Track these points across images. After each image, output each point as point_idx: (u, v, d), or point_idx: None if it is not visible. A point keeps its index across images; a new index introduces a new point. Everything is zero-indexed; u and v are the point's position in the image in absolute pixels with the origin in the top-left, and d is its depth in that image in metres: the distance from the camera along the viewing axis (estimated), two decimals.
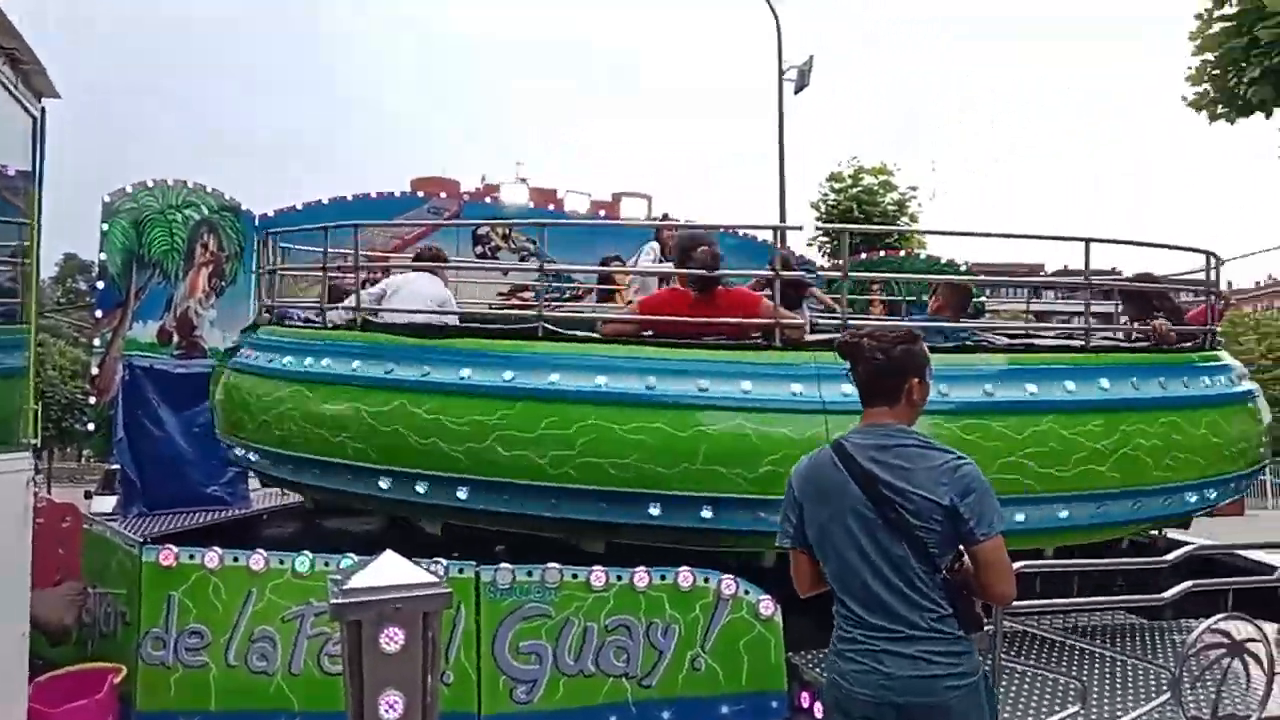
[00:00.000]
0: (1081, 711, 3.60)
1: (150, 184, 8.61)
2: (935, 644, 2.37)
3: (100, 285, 8.42)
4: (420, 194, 11.85)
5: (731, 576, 4.20)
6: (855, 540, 2.42)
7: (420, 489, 4.46)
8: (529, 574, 4.04)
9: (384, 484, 4.58)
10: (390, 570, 2.67)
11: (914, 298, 8.91)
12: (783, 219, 16.64)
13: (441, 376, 4.46)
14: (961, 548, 2.43)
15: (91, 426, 8.42)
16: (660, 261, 6.81)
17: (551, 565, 4.08)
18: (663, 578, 4.14)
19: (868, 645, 2.41)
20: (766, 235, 12.26)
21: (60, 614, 4.07)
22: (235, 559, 3.95)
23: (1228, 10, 10.51)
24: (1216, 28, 10.65)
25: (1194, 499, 4.98)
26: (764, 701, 4.13)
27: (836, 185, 18.89)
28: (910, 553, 2.37)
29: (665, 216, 7.38)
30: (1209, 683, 3.75)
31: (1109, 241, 5.36)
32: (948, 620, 2.39)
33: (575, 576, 4.08)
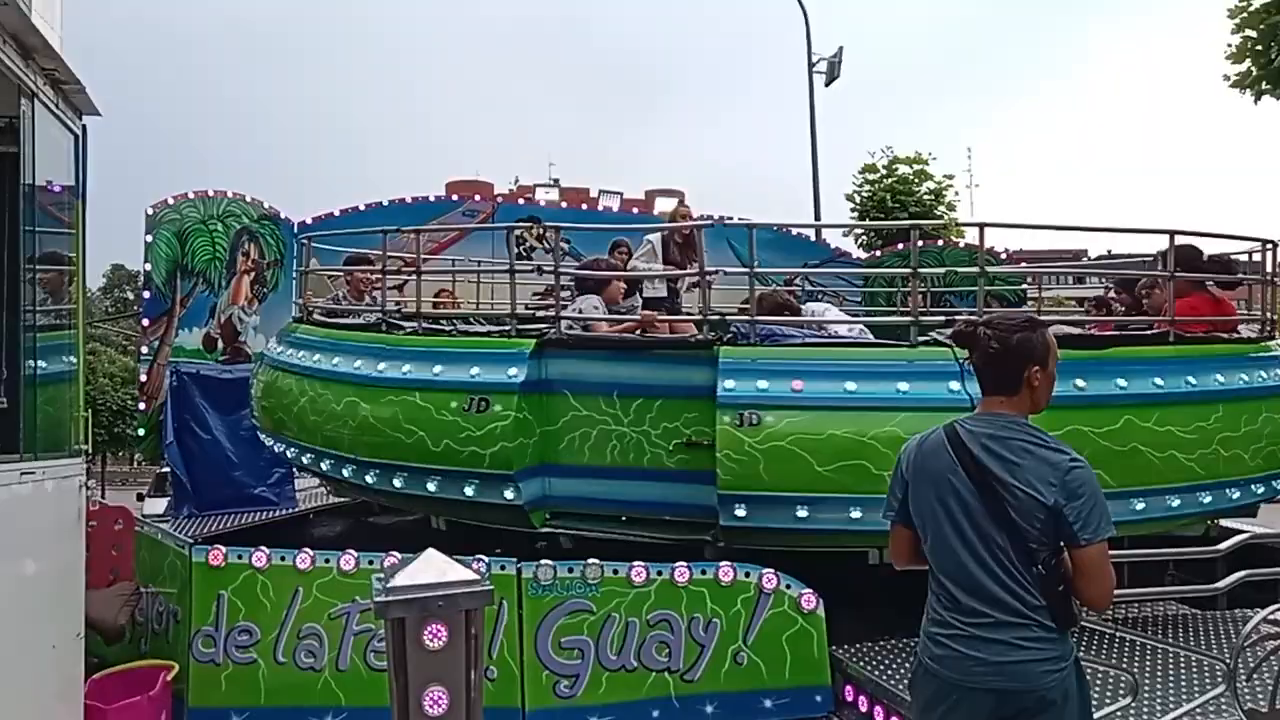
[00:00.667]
0: (1133, 705, 3.53)
1: (191, 195, 8.79)
2: (1029, 631, 2.39)
3: (146, 295, 8.61)
4: (455, 197, 11.96)
5: (773, 570, 4.18)
6: (957, 524, 2.46)
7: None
8: (570, 570, 4.06)
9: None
10: (433, 568, 2.71)
11: (953, 289, 8.81)
12: (817, 213, 16.53)
13: None
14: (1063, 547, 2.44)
15: (141, 431, 8.60)
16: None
17: (592, 561, 4.09)
18: (703, 572, 4.14)
19: (961, 630, 2.43)
20: (805, 231, 12.25)
21: (114, 613, 4.17)
22: (282, 558, 4.02)
23: None
24: (1258, 3, 10.37)
25: (1261, 490, 4.90)
26: (808, 695, 4.11)
27: (871, 176, 18.67)
28: (1009, 544, 2.40)
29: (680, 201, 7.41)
30: (1265, 674, 3.65)
31: (1192, 234, 5.25)
32: (1041, 611, 2.41)
33: (616, 572, 4.09)
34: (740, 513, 4.25)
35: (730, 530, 4.35)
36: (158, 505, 9.69)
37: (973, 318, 2.70)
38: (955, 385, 4.11)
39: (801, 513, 4.19)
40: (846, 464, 4.13)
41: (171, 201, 8.66)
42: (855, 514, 4.15)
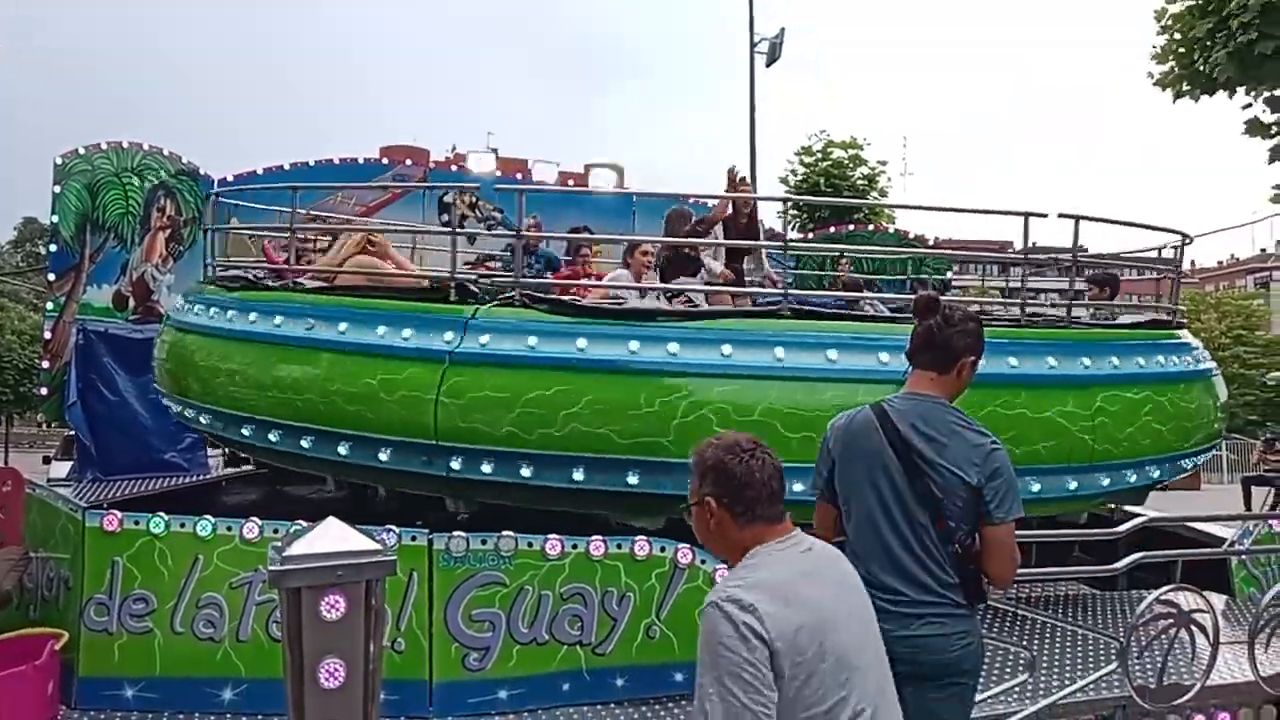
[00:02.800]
0: (1030, 680, 3.64)
1: (104, 146, 8.42)
2: (944, 607, 2.48)
3: (53, 248, 8.24)
4: (386, 161, 11.66)
5: (688, 546, 4.18)
6: (883, 501, 2.51)
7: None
8: (484, 542, 4.00)
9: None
10: (332, 537, 2.61)
11: (880, 273, 8.92)
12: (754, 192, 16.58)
13: None
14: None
15: (44, 391, 8.25)
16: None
17: (506, 534, 4.04)
18: (619, 546, 4.12)
19: (879, 605, 2.46)
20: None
21: (0, 579, 3.97)
22: (182, 525, 3.87)
23: None
24: (1180, 7, 10.69)
25: (1156, 473, 5.06)
26: None
27: (806, 159, 18.81)
28: (931, 521, 2.47)
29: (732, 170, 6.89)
30: (1156, 653, 3.80)
31: (1097, 220, 5.40)
32: (954, 589, 2.50)
33: (530, 545, 4.04)
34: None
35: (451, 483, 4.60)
36: (63, 469, 9.32)
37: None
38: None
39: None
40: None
41: (83, 152, 8.29)
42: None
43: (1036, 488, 4.46)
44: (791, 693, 1.83)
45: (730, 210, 6.23)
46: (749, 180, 6.74)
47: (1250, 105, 11.05)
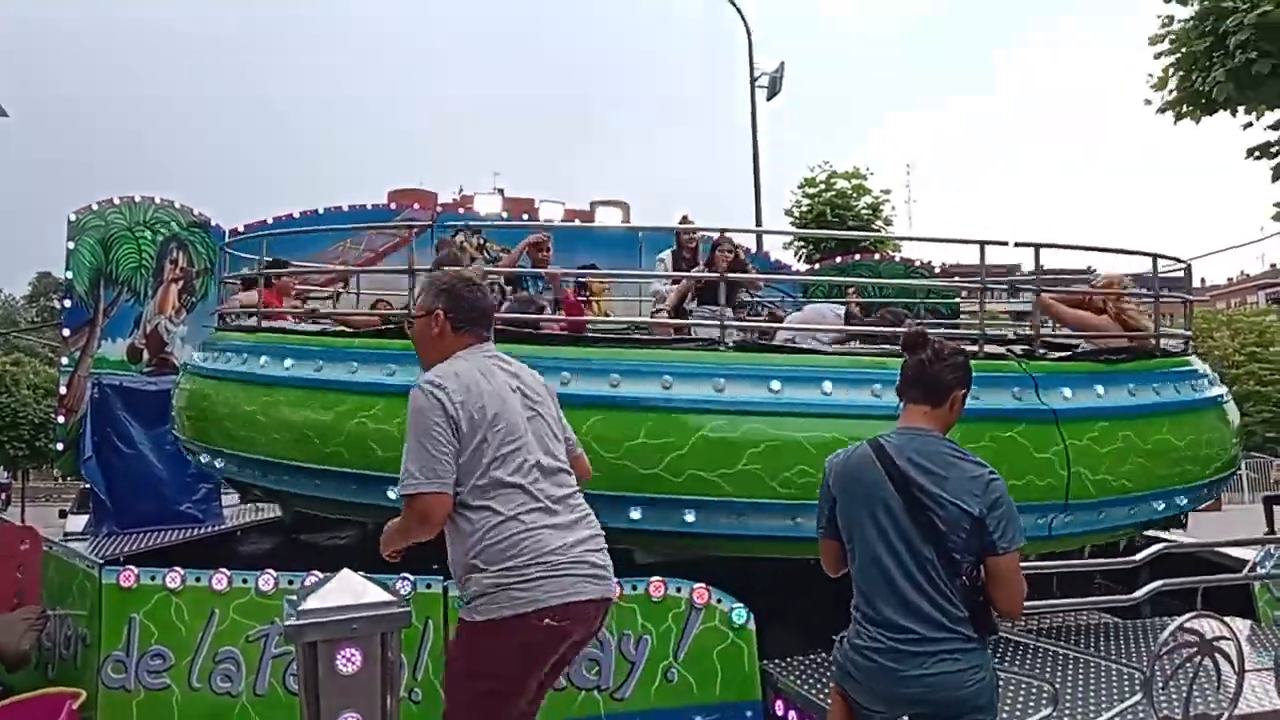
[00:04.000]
0: (1054, 714, 3.59)
1: (117, 201, 8.54)
2: (956, 642, 2.45)
3: (68, 304, 8.33)
4: (394, 206, 11.80)
5: (704, 585, 4.17)
6: (885, 537, 2.50)
7: None
8: None
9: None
10: (347, 589, 2.63)
11: (890, 300, 8.92)
12: (759, 225, 16.68)
13: None
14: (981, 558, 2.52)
15: (59, 446, 8.30)
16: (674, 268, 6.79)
17: None
18: (634, 588, 4.11)
19: (888, 644, 2.48)
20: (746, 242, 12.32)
21: (18, 639, 3.98)
22: (197, 579, 3.89)
23: (1189, 10, 10.63)
24: (1178, 27, 10.76)
25: (1184, 501, 5.04)
26: (738, 711, 4.10)
27: (809, 191, 18.93)
28: (936, 556, 2.46)
29: (684, 219, 7.24)
30: (1181, 682, 3.74)
31: (1059, 246, 5.46)
32: (964, 623, 2.48)
33: None
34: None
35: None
36: (79, 523, 9.37)
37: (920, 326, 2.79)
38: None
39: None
40: None
41: (96, 207, 8.40)
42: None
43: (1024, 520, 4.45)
44: (474, 446, 2.59)
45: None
46: (691, 221, 7.37)
47: (1251, 125, 11.10)
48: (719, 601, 4.15)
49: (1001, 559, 2.47)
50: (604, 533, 2.81)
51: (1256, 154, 11.27)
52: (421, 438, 2.55)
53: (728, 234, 6.15)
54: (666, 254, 6.93)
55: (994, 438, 4.24)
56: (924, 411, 2.62)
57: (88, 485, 8.56)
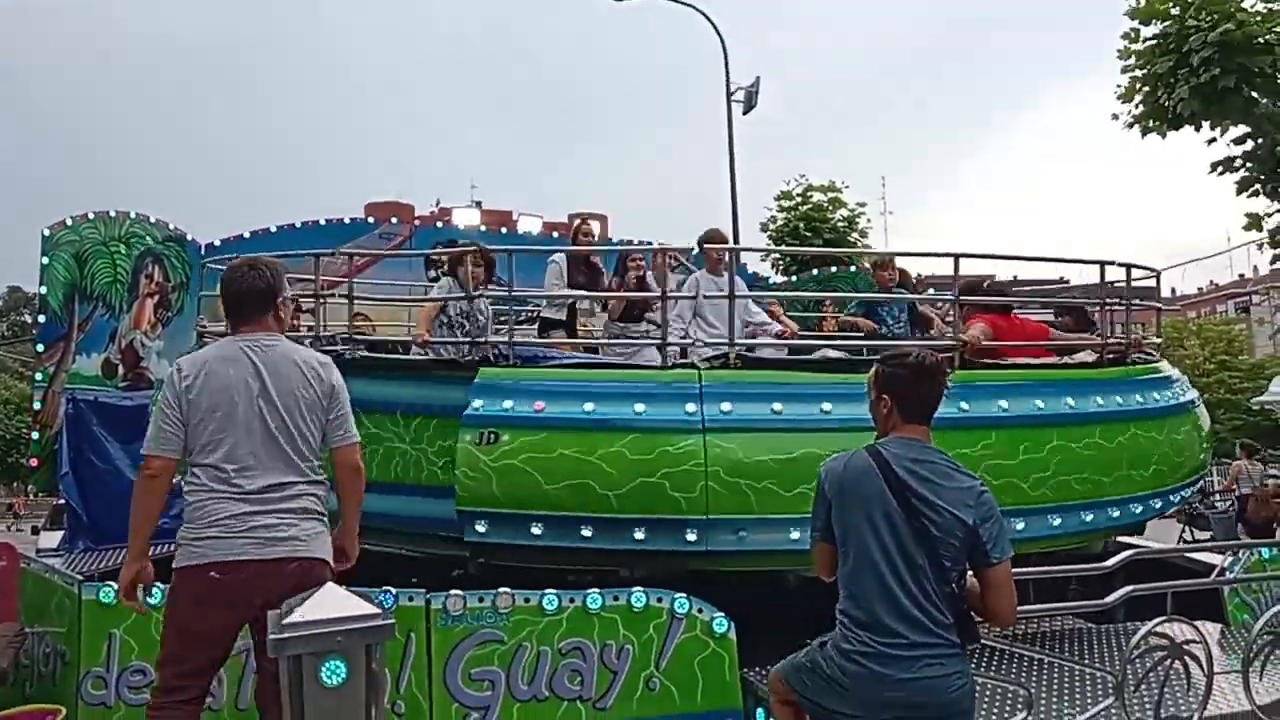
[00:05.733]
0: (1029, 718, 3.65)
1: (91, 215, 8.48)
2: (941, 648, 2.52)
3: (41, 319, 8.26)
4: (371, 219, 11.78)
5: (685, 595, 4.21)
6: (883, 544, 2.56)
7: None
8: (480, 600, 4.02)
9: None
10: (331, 602, 2.64)
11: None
12: (736, 240, 16.78)
13: None
14: (968, 567, 2.62)
15: (35, 461, 8.22)
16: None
17: (504, 590, 4.05)
18: (615, 598, 4.14)
19: (877, 649, 2.53)
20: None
21: None
22: None
23: (1152, 30, 10.86)
24: (1142, 46, 10.99)
25: (1158, 505, 5.16)
26: (720, 719, 4.13)
27: (785, 204, 19.08)
28: (928, 563, 2.53)
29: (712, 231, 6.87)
30: (1152, 685, 3.82)
31: (1035, 259, 5.61)
32: (949, 629, 2.55)
33: (528, 600, 4.06)
34: (481, 529, 4.48)
35: (475, 546, 4.56)
36: (53, 538, 9.26)
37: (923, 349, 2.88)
38: (692, 407, 4.45)
39: (536, 530, 4.43)
40: (574, 483, 4.37)
41: (70, 222, 8.35)
42: (586, 532, 4.42)
43: (1021, 526, 4.55)
44: (193, 426, 3.02)
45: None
46: (591, 231, 7.20)
47: (1215, 140, 11.34)
48: (700, 611, 4.19)
49: (996, 568, 2.57)
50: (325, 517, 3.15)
51: (1220, 169, 11.52)
52: (156, 413, 3.09)
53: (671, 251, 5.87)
54: (560, 258, 6.48)
55: None
56: (918, 427, 2.73)
57: (61, 502, 8.47)
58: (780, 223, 19.00)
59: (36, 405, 8.19)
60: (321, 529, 3.14)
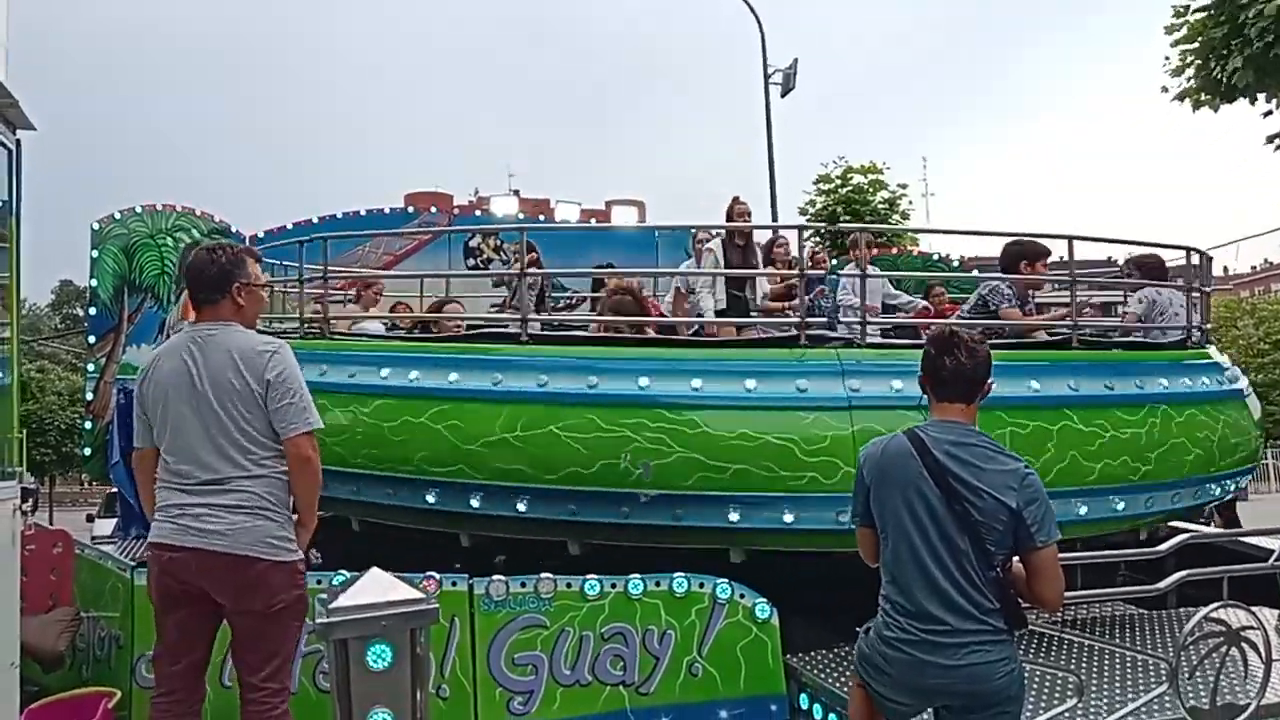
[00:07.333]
0: (1080, 705, 3.59)
1: (139, 209, 8.64)
2: (987, 634, 2.48)
3: (92, 311, 8.45)
4: (411, 209, 11.87)
5: (727, 581, 4.19)
6: (923, 528, 2.52)
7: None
8: (523, 585, 4.03)
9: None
10: (376, 587, 2.68)
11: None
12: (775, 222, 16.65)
13: None
14: (1014, 551, 2.55)
15: (87, 451, 8.42)
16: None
17: (545, 575, 4.07)
18: (658, 584, 4.13)
19: (921, 636, 2.50)
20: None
21: (53, 640, 4.06)
22: None
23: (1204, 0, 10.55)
24: (1194, 17, 10.68)
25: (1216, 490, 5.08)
26: (763, 705, 4.12)
27: (825, 187, 18.90)
28: (971, 547, 2.48)
29: (735, 200, 6.75)
30: (1208, 671, 3.73)
31: (1119, 241, 5.49)
32: (994, 614, 2.50)
33: (570, 586, 4.07)
34: None
35: None
36: (106, 526, 9.49)
37: (948, 324, 2.82)
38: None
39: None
40: None
41: (118, 216, 8.52)
42: None
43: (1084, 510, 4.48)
44: (154, 422, 3.15)
45: None
46: (749, 210, 6.86)
47: (1271, 113, 10.99)
48: (742, 596, 4.17)
49: (1041, 552, 2.50)
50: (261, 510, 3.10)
51: (1277, 142, 11.17)
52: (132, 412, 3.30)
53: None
54: (715, 243, 6.52)
55: None
56: (959, 407, 2.65)
57: (115, 489, 8.67)
58: (819, 206, 18.84)
59: (89, 396, 8.39)
60: (259, 523, 3.04)
